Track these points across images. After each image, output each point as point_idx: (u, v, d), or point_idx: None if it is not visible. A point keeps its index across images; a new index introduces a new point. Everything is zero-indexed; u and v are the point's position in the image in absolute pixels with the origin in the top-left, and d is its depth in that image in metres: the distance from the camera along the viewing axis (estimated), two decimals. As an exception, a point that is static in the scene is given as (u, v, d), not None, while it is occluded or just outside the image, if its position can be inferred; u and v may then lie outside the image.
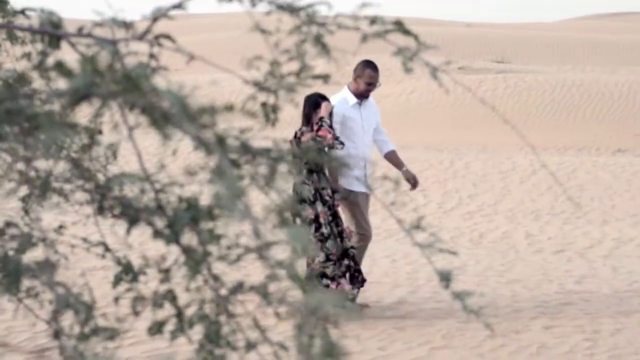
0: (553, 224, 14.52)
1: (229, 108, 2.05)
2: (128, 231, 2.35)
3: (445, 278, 2.30)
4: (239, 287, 2.27)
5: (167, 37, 2.33)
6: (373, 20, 2.40)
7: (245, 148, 2.19)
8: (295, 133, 8.51)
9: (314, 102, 8.43)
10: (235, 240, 2.20)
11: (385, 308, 8.72)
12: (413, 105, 31.74)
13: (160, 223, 2.25)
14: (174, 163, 2.44)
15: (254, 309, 2.41)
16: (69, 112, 2.15)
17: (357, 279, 8.48)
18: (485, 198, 16.22)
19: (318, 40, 2.39)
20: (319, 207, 8.42)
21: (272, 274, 2.07)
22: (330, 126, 8.34)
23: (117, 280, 2.68)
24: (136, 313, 2.49)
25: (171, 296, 2.44)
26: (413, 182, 8.79)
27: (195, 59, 2.36)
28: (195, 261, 2.20)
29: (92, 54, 2.11)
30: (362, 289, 8.59)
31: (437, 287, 9.24)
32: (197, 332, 2.36)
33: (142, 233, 2.41)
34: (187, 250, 2.22)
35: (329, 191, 8.46)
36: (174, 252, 2.27)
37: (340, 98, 8.77)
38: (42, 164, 2.59)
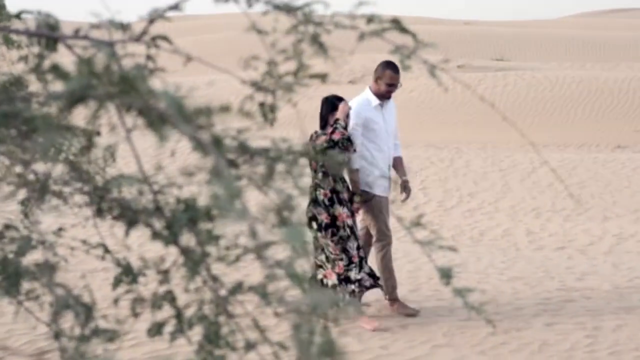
0: (554, 221, 14.52)
1: (226, 109, 2.05)
2: (127, 233, 2.36)
3: (446, 275, 2.30)
4: (238, 288, 2.27)
5: (164, 38, 2.33)
6: (370, 19, 2.40)
7: (243, 148, 2.19)
8: (311, 135, 8.42)
9: (331, 103, 8.33)
10: (233, 241, 2.20)
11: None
12: (413, 104, 31.74)
13: (158, 224, 2.25)
14: (173, 164, 2.43)
15: (253, 309, 2.41)
16: (66, 115, 2.15)
17: (376, 283, 8.36)
18: (486, 196, 16.21)
19: (315, 40, 2.39)
20: (338, 209, 8.25)
21: (271, 274, 2.07)
22: (345, 128, 8.25)
23: (116, 282, 2.69)
24: (136, 314, 2.49)
25: (170, 297, 2.44)
26: (406, 196, 8.64)
27: (192, 60, 2.36)
28: (194, 262, 2.20)
29: (89, 56, 2.11)
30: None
31: (438, 286, 9.25)
32: (197, 332, 2.36)
33: (141, 234, 2.41)
34: (185, 251, 2.22)
35: (345, 195, 8.29)
36: (172, 253, 2.28)
37: (363, 99, 8.62)
38: (40, 167, 2.59)
